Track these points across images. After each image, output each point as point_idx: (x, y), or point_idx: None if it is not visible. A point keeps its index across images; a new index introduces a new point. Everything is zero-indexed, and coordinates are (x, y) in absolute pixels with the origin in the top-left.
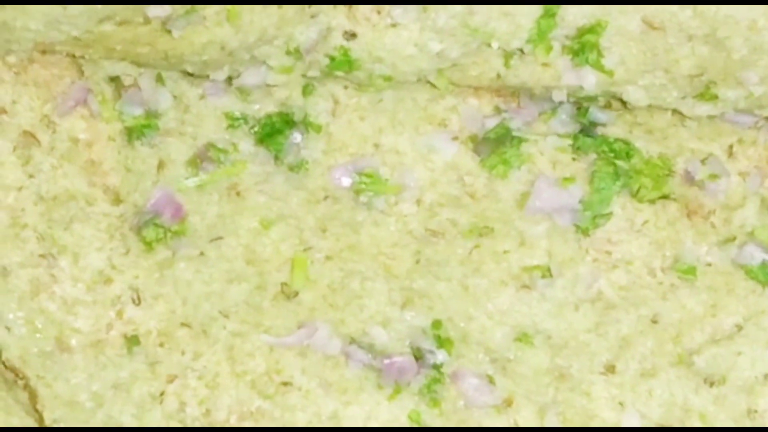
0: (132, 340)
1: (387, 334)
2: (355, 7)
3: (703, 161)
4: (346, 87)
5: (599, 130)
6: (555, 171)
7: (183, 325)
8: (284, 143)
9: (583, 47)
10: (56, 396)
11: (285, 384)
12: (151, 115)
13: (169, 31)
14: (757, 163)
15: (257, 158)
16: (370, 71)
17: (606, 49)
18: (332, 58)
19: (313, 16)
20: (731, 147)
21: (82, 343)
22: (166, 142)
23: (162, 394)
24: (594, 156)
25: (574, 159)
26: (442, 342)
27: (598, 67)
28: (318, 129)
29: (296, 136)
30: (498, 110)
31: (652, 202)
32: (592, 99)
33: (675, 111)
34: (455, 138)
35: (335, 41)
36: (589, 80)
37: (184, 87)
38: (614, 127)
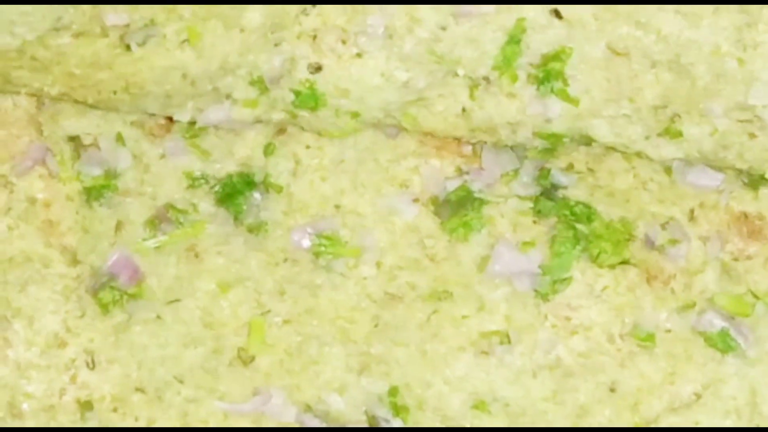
0: (85, 405)
1: (343, 401)
2: (319, 37)
3: (663, 225)
4: (308, 147)
5: (561, 193)
6: (516, 234)
7: (137, 390)
8: (244, 204)
9: (548, 75)
10: None
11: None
12: (111, 175)
13: (129, 48)
14: (718, 227)
15: (217, 219)
16: (336, 107)
17: (571, 77)
18: (297, 93)
19: (276, 45)
20: (692, 211)
21: (34, 408)
22: (125, 203)
23: None
24: (555, 219)
25: (534, 222)
26: (398, 409)
27: (564, 96)
28: (279, 189)
29: (256, 197)
30: (460, 171)
31: (612, 267)
32: (557, 138)
33: (636, 175)
34: (416, 200)
35: (300, 74)
36: (554, 110)
37: (145, 146)
38: (576, 190)
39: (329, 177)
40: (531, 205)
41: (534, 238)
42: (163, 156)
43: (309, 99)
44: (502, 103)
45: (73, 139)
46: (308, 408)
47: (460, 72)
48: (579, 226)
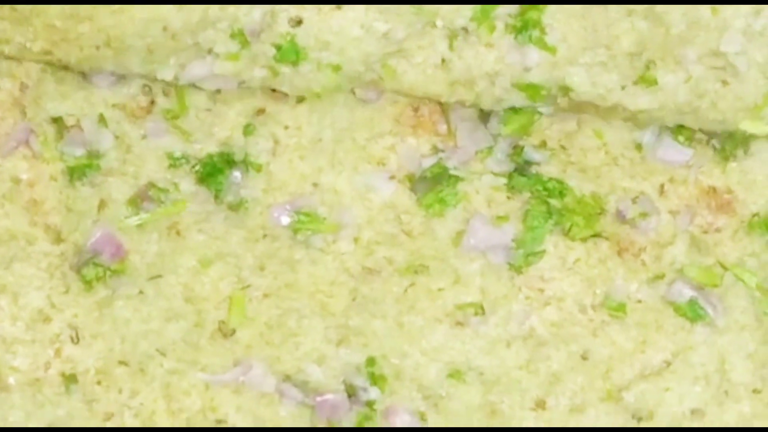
0: (70, 379)
1: (321, 372)
2: None
3: (634, 200)
4: (286, 127)
5: (534, 169)
6: (490, 209)
7: (121, 363)
8: (224, 182)
9: (526, 24)
10: None
11: (219, 422)
12: (93, 155)
13: None
14: (687, 201)
15: (197, 197)
16: (317, 61)
17: (548, 26)
18: (279, 47)
19: None
20: (662, 186)
21: (20, 382)
22: (108, 182)
23: None
24: (528, 195)
25: (508, 198)
26: (376, 379)
27: (541, 44)
28: (258, 168)
29: (236, 176)
30: (435, 149)
31: (583, 240)
32: (535, 90)
33: (607, 151)
34: (393, 177)
35: (281, 28)
36: (532, 59)
37: (126, 127)
38: (548, 166)
39: (307, 156)
40: (505, 181)
41: (508, 212)
42: (144, 137)
43: (290, 52)
44: (481, 53)
45: (56, 121)
46: (287, 378)
47: (439, 23)
48: (552, 201)
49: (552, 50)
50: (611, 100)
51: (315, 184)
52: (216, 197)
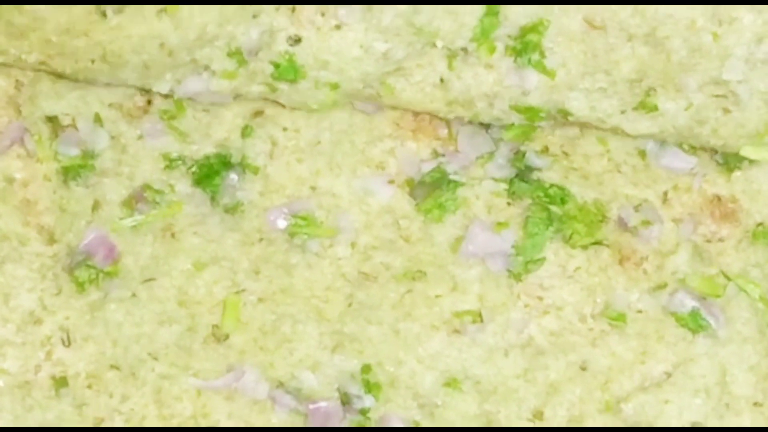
0: (60, 382)
1: (315, 378)
2: (298, 9)
3: (636, 207)
4: (285, 129)
5: (535, 175)
6: (490, 215)
7: (112, 367)
8: (221, 185)
9: (526, 47)
10: None
11: (211, 428)
12: (88, 155)
13: (105, 15)
14: (690, 210)
15: (193, 199)
16: (315, 79)
17: (548, 50)
18: (277, 65)
19: (255, 16)
20: (666, 193)
21: (9, 384)
22: (102, 183)
23: None
24: (529, 201)
25: (509, 204)
26: (371, 387)
27: (541, 68)
28: (255, 170)
29: (233, 178)
30: (435, 154)
31: (584, 248)
32: (534, 112)
33: (610, 158)
34: (391, 181)
35: (279, 47)
36: (531, 82)
37: (122, 127)
38: (550, 172)
39: (305, 159)
40: (505, 186)
41: (508, 219)
42: (140, 137)
43: (288, 71)
44: (480, 74)
45: (51, 120)
46: (281, 384)
47: (439, 43)
48: (553, 207)
49: (551, 74)
50: (610, 123)
51: (313, 188)
52: (212, 199)
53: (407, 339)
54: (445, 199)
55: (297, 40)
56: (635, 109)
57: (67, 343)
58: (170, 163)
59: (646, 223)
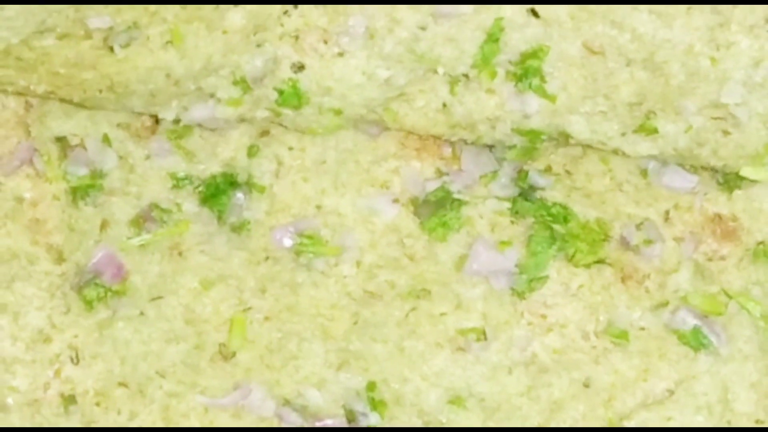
0: (69, 400)
1: (321, 396)
2: (301, 37)
3: (638, 226)
4: (290, 148)
5: (538, 194)
6: (493, 234)
7: (120, 384)
8: (227, 204)
9: (527, 72)
10: None
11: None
12: (96, 174)
13: (112, 49)
14: (692, 228)
15: (200, 218)
16: (319, 105)
17: (548, 75)
18: (281, 92)
19: (259, 45)
20: (667, 212)
21: (18, 402)
22: (110, 202)
23: None
24: (532, 220)
25: (512, 222)
26: (376, 404)
27: (541, 92)
28: (261, 190)
29: (239, 197)
30: (439, 173)
31: (587, 266)
32: (535, 135)
33: (612, 177)
34: (396, 200)
35: (283, 74)
36: (532, 106)
37: (130, 147)
38: (553, 191)
39: (311, 178)
40: (509, 205)
41: (511, 237)
42: (148, 157)
43: (292, 97)
44: (482, 99)
45: (60, 140)
46: (287, 402)
47: (440, 70)
48: (556, 226)
49: (552, 98)
50: (611, 145)
51: (318, 207)
52: (219, 218)
53: (412, 357)
54: (449, 217)
55: (300, 68)
56: (635, 131)
57: (75, 361)
58: (177, 182)
59: (648, 241)
